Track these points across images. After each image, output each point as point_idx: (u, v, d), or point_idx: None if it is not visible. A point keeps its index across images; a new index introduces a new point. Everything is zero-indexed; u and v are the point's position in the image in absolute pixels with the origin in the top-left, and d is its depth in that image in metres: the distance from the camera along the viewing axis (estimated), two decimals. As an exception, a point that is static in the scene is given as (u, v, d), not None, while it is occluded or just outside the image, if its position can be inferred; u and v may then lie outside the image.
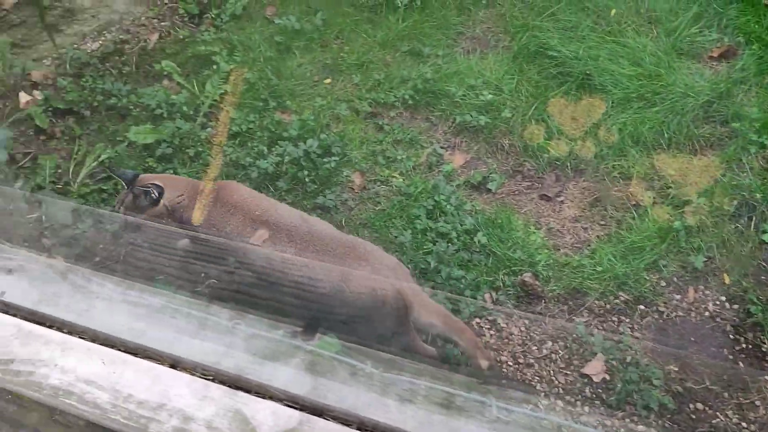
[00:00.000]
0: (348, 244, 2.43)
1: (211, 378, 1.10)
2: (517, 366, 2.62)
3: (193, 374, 1.11)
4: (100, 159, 3.25)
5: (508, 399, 1.12)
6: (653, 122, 3.08)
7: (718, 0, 3.46)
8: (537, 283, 2.81)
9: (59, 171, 3.20)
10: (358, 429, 1.02)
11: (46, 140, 3.40)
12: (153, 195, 2.53)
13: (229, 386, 1.08)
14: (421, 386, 1.02)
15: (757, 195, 2.78)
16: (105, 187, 3.20)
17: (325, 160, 3.22)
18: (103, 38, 3.85)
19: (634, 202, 2.96)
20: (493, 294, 2.84)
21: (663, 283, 2.77)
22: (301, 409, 1.05)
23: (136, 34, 3.87)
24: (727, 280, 2.72)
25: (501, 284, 2.85)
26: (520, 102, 3.30)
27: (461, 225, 3.00)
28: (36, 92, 3.43)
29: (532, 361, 2.64)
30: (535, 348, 2.67)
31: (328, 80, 3.57)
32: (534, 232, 2.97)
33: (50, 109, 3.46)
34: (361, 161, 3.28)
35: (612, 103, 3.17)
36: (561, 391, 2.58)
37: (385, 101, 3.44)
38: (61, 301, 1.21)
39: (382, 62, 3.58)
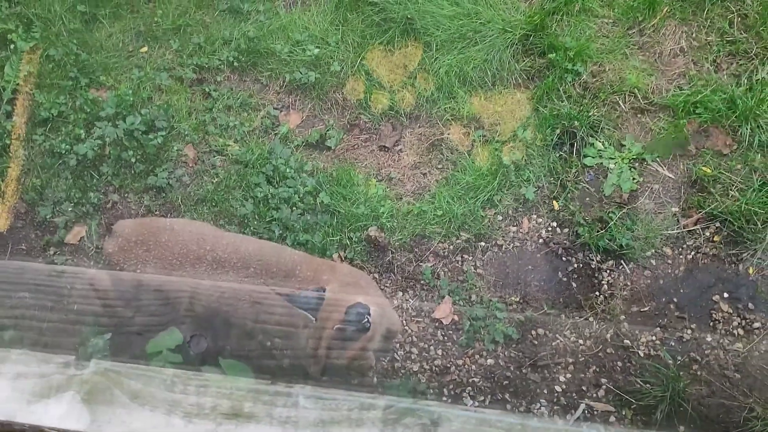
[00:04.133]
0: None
1: (-25, 430, 0.99)
2: (370, 321, 2.65)
3: (-46, 429, 0.99)
4: None
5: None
6: (477, 61, 3.12)
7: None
8: (382, 235, 2.83)
9: None
10: (143, 456, 0.96)
11: None
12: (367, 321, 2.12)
13: (-3, 435, 0.98)
14: (208, 399, 0.97)
15: (576, 122, 2.92)
16: None
17: (150, 136, 3.02)
18: None
19: (466, 143, 3.02)
20: (342, 253, 2.84)
21: (499, 218, 2.87)
22: (80, 446, 0.97)
23: None
24: (556, 207, 2.86)
25: (348, 242, 2.84)
26: (348, 54, 3.23)
27: (303, 187, 2.94)
28: None
29: (384, 313, 2.67)
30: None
31: (144, 48, 3.31)
32: (375, 185, 2.97)
33: None
34: (192, 133, 3.11)
35: (436, 45, 3.17)
36: (415, 339, 2.65)
37: (209, 66, 3.26)
38: None
39: (201, 24, 3.36)
